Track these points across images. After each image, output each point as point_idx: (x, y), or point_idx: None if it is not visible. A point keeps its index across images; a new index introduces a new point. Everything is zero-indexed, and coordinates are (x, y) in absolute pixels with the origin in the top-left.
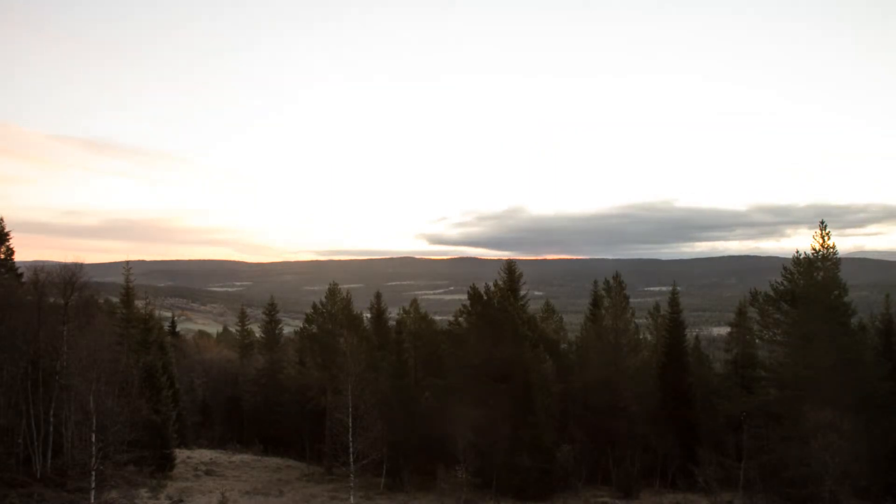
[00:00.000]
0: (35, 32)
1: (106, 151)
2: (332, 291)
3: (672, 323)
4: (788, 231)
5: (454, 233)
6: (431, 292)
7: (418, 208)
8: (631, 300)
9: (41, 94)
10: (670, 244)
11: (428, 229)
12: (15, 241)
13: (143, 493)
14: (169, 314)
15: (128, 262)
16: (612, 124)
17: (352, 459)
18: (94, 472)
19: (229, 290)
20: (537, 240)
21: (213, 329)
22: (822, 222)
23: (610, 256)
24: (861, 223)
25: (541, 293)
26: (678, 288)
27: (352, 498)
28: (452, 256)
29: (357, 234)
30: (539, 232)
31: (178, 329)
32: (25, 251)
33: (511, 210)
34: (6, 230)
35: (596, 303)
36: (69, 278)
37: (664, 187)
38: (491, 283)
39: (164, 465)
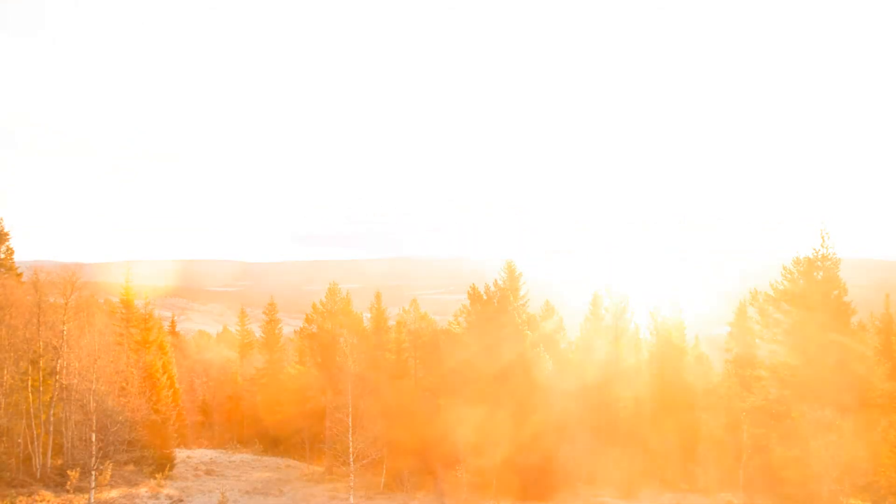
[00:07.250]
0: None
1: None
2: (332, 291)
3: (672, 322)
4: None
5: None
6: (431, 292)
7: (416, 208)
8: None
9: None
10: None
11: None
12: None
13: (143, 492)
14: (169, 314)
15: (128, 262)
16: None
17: (352, 459)
18: (94, 472)
19: (229, 290)
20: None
21: (213, 329)
22: (822, 223)
23: None
24: None
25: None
26: None
27: (351, 498)
28: (452, 256)
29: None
30: None
31: (178, 329)
32: (26, 251)
33: None
34: (6, 230)
35: (596, 302)
36: (69, 278)
37: None
38: (491, 283)
39: (164, 465)
